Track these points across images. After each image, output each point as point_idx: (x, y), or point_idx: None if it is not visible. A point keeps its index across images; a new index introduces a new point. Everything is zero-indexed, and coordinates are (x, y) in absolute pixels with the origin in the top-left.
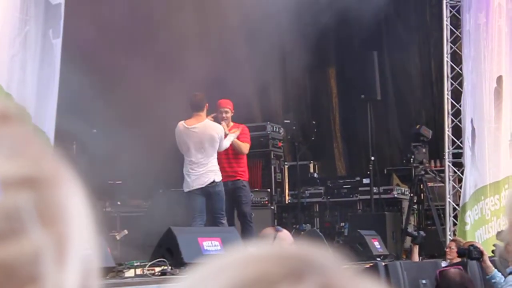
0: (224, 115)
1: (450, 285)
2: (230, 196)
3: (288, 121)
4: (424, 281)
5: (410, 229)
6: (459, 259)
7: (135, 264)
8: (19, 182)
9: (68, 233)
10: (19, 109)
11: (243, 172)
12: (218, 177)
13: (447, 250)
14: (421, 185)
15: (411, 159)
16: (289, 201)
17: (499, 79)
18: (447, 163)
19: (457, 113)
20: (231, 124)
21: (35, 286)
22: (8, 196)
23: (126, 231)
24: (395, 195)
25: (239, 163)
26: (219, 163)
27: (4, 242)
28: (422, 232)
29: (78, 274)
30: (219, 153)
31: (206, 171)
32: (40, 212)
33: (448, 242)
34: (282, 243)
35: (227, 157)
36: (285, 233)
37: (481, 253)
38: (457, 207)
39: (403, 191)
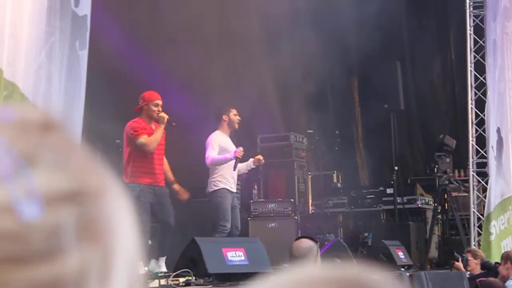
0: (160, 108)
1: None
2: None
3: (311, 131)
4: None
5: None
6: (480, 271)
7: (159, 274)
8: (63, 197)
9: (113, 248)
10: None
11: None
12: (210, 187)
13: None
14: (445, 195)
15: (435, 169)
16: (312, 211)
17: None
18: (471, 172)
19: (481, 123)
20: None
21: None
22: (50, 212)
23: (149, 241)
24: (419, 205)
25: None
26: (151, 165)
27: (46, 261)
28: None
29: None
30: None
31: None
32: (84, 228)
33: None
34: (319, 256)
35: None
36: None
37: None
38: (481, 217)
39: (427, 201)
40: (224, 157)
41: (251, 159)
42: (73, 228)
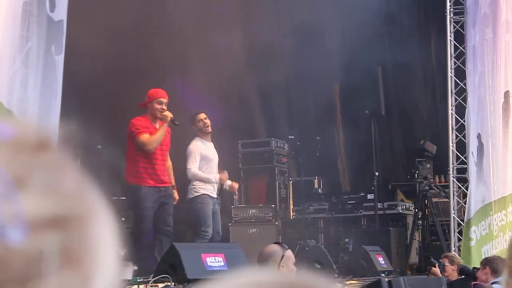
0: (164, 106)
1: None
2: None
3: (293, 137)
4: None
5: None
6: (457, 276)
7: (138, 280)
8: (49, 222)
9: (93, 274)
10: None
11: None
12: (191, 193)
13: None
14: (426, 201)
15: (416, 175)
16: (293, 216)
17: (506, 94)
18: (451, 178)
19: (461, 129)
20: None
21: None
22: (34, 238)
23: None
24: (400, 211)
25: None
26: (155, 165)
27: (22, 287)
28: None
29: None
30: (153, 153)
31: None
32: (66, 254)
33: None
34: (288, 261)
35: (163, 157)
36: (290, 252)
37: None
38: (461, 222)
39: (407, 206)
40: (207, 177)
41: (228, 182)
42: (56, 254)
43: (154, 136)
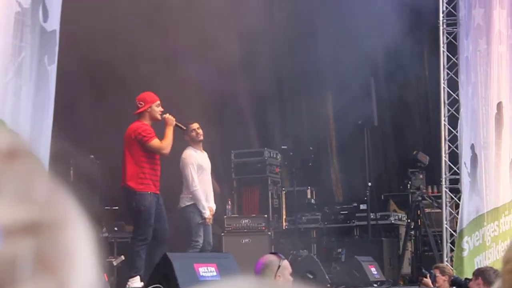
0: (161, 108)
1: None
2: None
3: (285, 147)
4: None
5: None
6: (448, 287)
7: None
8: (23, 229)
9: (70, 279)
10: (22, 140)
11: None
12: (182, 202)
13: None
14: (418, 211)
15: (408, 185)
16: (286, 226)
17: (499, 105)
18: (444, 189)
19: (454, 139)
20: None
21: None
22: (8, 245)
23: (123, 257)
24: (392, 221)
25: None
26: (156, 171)
27: None
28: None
29: None
30: (155, 159)
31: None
32: (41, 260)
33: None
34: (285, 272)
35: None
36: (287, 262)
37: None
38: (454, 233)
39: (400, 217)
40: (203, 206)
41: (208, 209)
42: (30, 260)
43: (168, 141)
